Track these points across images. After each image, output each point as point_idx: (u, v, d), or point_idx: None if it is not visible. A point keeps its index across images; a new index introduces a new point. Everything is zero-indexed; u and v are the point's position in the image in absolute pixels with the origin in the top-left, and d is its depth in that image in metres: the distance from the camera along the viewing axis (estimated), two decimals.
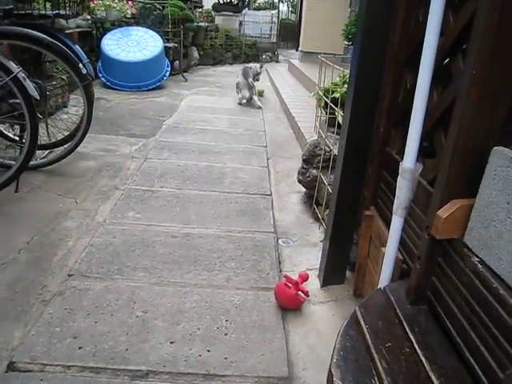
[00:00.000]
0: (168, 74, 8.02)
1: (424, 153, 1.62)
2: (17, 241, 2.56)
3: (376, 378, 1.21)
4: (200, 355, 1.83)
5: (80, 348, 1.83)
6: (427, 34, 1.42)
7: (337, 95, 3.15)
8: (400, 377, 1.21)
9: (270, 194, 3.44)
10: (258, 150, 4.52)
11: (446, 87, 1.51)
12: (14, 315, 2.00)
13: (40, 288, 2.18)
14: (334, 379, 1.19)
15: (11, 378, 1.68)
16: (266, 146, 4.69)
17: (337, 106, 3.00)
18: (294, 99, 6.60)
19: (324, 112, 3.43)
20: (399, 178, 1.57)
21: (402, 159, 1.58)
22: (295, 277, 2.19)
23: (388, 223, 1.84)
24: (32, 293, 2.15)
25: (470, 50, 1.24)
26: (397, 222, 1.62)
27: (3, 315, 2.00)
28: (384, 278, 1.69)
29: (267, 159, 4.28)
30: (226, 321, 2.03)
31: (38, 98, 3.02)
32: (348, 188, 2.17)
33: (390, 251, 1.66)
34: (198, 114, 5.79)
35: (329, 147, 2.97)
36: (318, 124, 3.44)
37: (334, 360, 1.26)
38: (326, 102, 3.35)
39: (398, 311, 1.47)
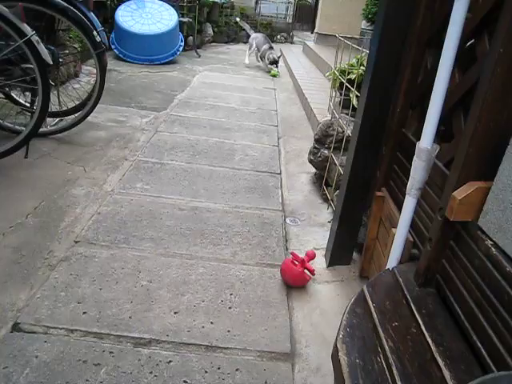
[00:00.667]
0: (181, 49, 7.95)
1: (440, 137, 1.59)
2: (24, 205, 2.56)
3: (381, 356, 1.20)
4: (203, 327, 1.83)
5: (84, 313, 1.83)
6: (454, 12, 1.38)
7: (352, 76, 3.11)
8: (406, 356, 1.19)
9: (280, 173, 3.42)
10: (269, 129, 4.48)
11: (469, 68, 1.47)
12: (21, 278, 2.01)
13: (46, 253, 2.18)
14: (340, 354, 1.18)
15: (16, 337, 1.69)
16: (277, 126, 4.65)
17: (352, 88, 2.96)
18: (308, 81, 6.52)
19: (338, 93, 3.39)
20: (415, 159, 1.54)
21: (418, 141, 1.55)
22: (302, 255, 2.18)
23: (399, 205, 1.82)
24: (38, 257, 2.15)
25: (499, 28, 1.20)
26: (409, 203, 1.59)
27: (9, 277, 2.00)
28: (393, 259, 1.68)
29: (278, 138, 4.24)
30: (231, 295, 2.03)
31: (51, 63, 2.99)
32: (360, 169, 2.15)
33: (401, 232, 1.64)
34: (210, 91, 5.74)
35: (342, 128, 2.94)
36: (331, 104, 3.39)
37: (340, 336, 1.25)
38: (340, 83, 3.31)
39: (405, 292, 1.46)
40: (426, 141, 1.50)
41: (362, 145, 2.10)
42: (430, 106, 1.50)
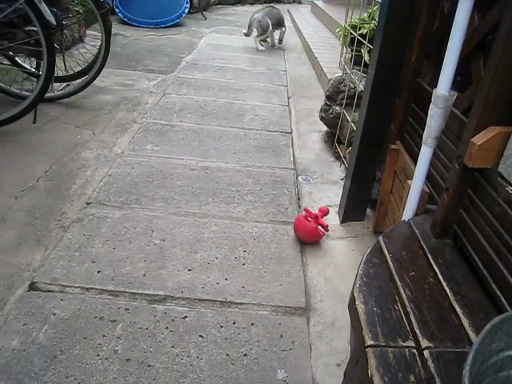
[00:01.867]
0: (187, 11, 7.77)
1: (457, 86, 1.54)
2: (35, 169, 2.55)
3: (399, 305, 1.18)
4: (217, 283, 1.83)
5: (99, 272, 1.84)
6: None
7: (364, 31, 3.02)
8: (423, 305, 1.18)
9: (291, 132, 3.37)
10: (279, 89, 4.40)
11: (489, 10, 1.40)
12: (35, 239, 2.01)
13: (59, 214, 2.18)
14: (357, 303, 1.17)
15: (33, 296, 1.70)
16: (286, 86, 4.56)
17: (363, 43, 2.87)
18: (317, 40, 6.37)
19: (349, 49, 3.30)
20: (431, 106, 1.49)
21: (434, 89, 1.49)
22: (315, 211, 2.16)
23: (414, 157, 1.78)
24: (51, 219, 2.15)
25: None
26: (426, 153, 1.55)
27: (24, 239, 2.01)
28: (408, 210, 1.65)
29: (288, 98, 4.17)
30: (244, 251, 2.02)
31: (55, 23, 2.93)
32: (374, 122, 2.10)
33: (417, 183, 1.60)
34: (217, 52, 5.64)
35: (354, 84, 2.87)
36: (342, 60, 3.31)
37: (357, 285, 1.23)
38: (351, 38, 3.21)
39: (422, 243, 1.43)
40: (444, 87, 1.45)
41: (376, 97, 2.04)
42: (447, 51, 1.44)
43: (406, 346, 1.06)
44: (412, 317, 1.13)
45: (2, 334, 1.56)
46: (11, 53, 3.41)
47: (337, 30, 3.68)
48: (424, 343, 1.05)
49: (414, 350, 1.05)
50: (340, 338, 1.68)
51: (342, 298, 1.86)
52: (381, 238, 1.48)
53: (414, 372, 0.99)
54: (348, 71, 2.94)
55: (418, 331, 1.08)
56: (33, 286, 1.76)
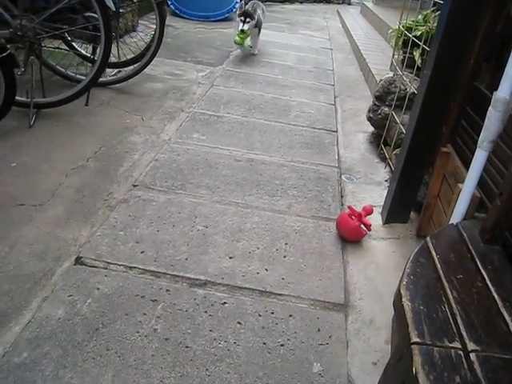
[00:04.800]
0: (237, 6, 7.81)
1: None
2: (85, 150, 2.62)
3: (446, 306, 1.17)
4: (258, 273, 1.85)
5: (142, 252, 1.88)
6: None
7: (418, 33, 2.97)
8: (471, 308, 1.16)
9: (336, 131, 3.35)
10: (326, 88, 4.38)
11: None
12: (82, 216, 2.07)
13: (106, 194, 2.24)
14: (403, 300, 1.16)
15: (79, 270, 1.76)
16: (333, 85, 4.54)
17: (416, 45, 2.83)
18: (366, 41, 6.30)
19: (402, 51, 3.26)
20: (490, 109, 1.46)
21: (492, 93, 1.46)
22: (359, 210, 2.14)
23: (466, 161, 1.75)
24: (99, 198, 2.21)
25: None
26: (480, 156, 1.52)
27: (72, 215, 2.07)
28: (457, 214, 1.62)
29: (334, 97, 4.15)
30: (286, 244, 2.03)
31: (114, 9, 3.00)
32: (425, 124, 2.06)
33: (468, 187, 1.57)
34: (265, 48, 5.64)
35: (404, 85, 2.83)
36: (394, 61, 3.26)
37: (404, 282, 1.22)
38: (404, 41, 3.17)
39: (470, 247, 1.41)
40: (505, 90, 1.42)
41: (430, 99, 2.01)
42: None
43: (452, 347, 1.04)
44: (459, 319, 1.11)
45: (49, 302, 1.62)
46: (69, 38, 3.50)
47: (390, 31, 3.63)
48: (471, 346, 1.03)
49: (461, 352, 1.03)
50: (377, 337, 1.67)
51: (382, 297, 1.85)
52: (428, 239, 1.46)
53: (459, 373, 0.98)
54: (400, 72, 2.90)
55: (464, 333, 1.07)
56: (79, 261, 1.81)
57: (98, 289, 1.69)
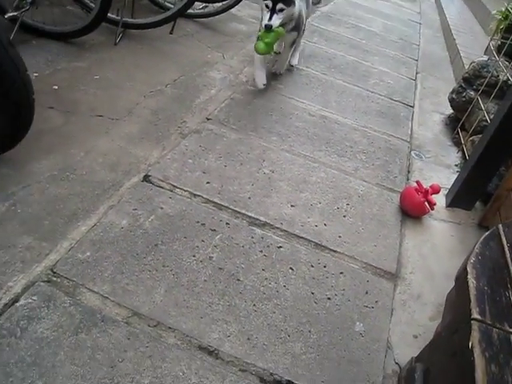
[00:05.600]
0: None
1: None
2: (165, 76, 2.65)
3: (510, 292, 1.14)
4: (316, 226, 1.85)
5: (208, 183, 1.92)
6: None
7: None
8: None
9: (413, 106, 3.25)
10: (409, 61, 4.23)
11: None
12: (155, 137, 2.12)
13: (180, 122, 2.28)
14: (469, 277, 1.14)
15: (146, 187, 1.82)
16: (417, 60, 4.37)
17: None
18: (458, 22, 6.01)
19: (501, 36, 3.09)
20: None
21: None
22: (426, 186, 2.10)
23: None
24: (172, 124, 2.25)
25: None
26: None
27: (146, 135, 2.12)
28: None
29: (416, 73, 4.00)
30: (347, 204, 2.02)
31: None
32: None
33: None
34: (353, 10, 5.47)
35: (497, 72, 2.70)
36: (492, 45, 3.10)
37: (471, 261, 1.20)
38: (507, 26, 3.01)
39: None
40: None
41: None
42: None
43: None
44: None
45: (115, 211, 1.68)
46: None
47: (493, 12, 3.43)
48: None
49: None
50: (423, 313, 1.67)
51: (433, 276, 1.83)
52: (500, 226, 1.42)
53: None
54: (496, 57, 2.76)
55: None
56: (146, 178, 1.87)
57: (162, 208, 1.74)
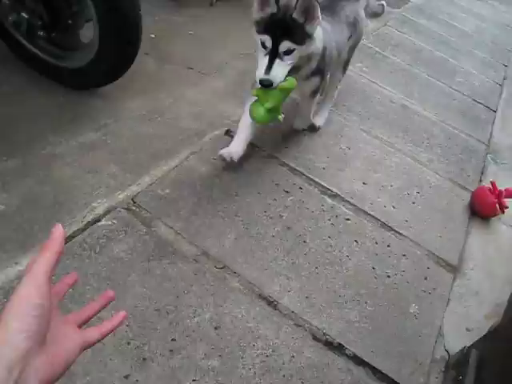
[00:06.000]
0: None
1: None
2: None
3: None
4: (385, 206, 1.88)
5: (286, 147, 1.99)
6: None
7: None
8: None
9: (495, 111, 3.17)
10: (498, 66, 4.09)
11: None
12: (239, 97, 2.13)
13: None
14: None
15: (226, 141, 1.87)
16: (506, 66, 4.22)
17: None
18: None
19: None
20: None
21: None
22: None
23: None
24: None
25: None
26: None
27: (231, 93, 2.21)
28: None
29: (504, 78, 3.87)
30: (418, 193, 2.03)
31: None
32: None
33: None
34: (446, 7, 5.30)
35: None
36: None
37: None
38: None
39: None
40: None
41: None
42: None
43: None
44: None
45: (196, 157, 1.77)
46: None
47: None
48: None
49: None
50: (478, 309, 1.67)
51: (494, 277, 1.83)
52: None
53: None
54: None
55: None
56: (228, 133, 1.95)
57: (240, 163, 1.80)
